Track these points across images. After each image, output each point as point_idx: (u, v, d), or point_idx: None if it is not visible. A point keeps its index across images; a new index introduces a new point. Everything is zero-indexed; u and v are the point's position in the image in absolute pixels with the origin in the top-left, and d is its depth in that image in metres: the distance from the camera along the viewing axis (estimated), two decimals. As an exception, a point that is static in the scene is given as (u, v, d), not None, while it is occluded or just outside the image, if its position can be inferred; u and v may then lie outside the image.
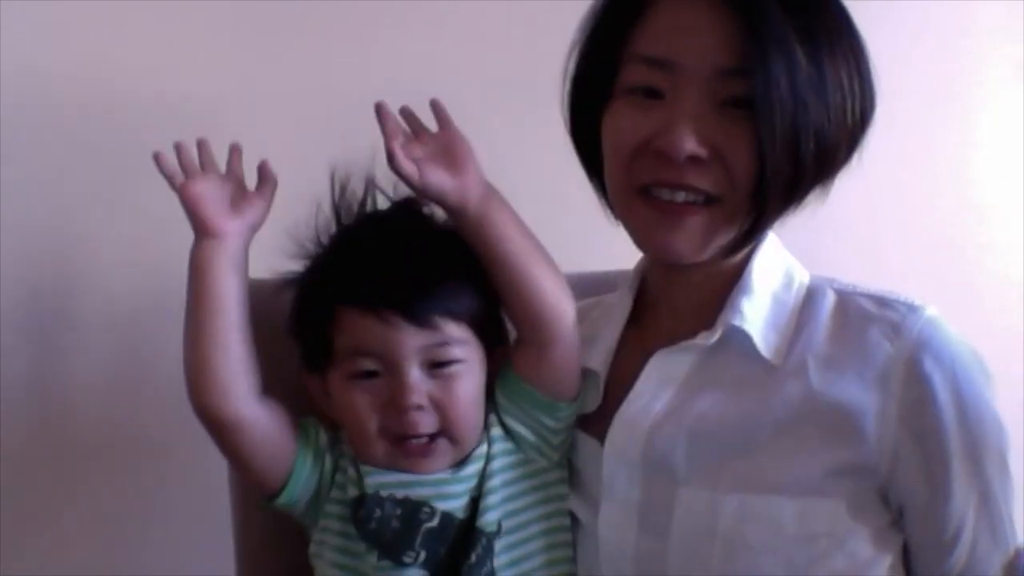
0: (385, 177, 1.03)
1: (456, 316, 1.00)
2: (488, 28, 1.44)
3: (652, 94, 0.98)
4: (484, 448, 1.04)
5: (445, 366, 1.00)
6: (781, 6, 0.95)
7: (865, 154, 1.64)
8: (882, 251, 1.68)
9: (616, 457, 1.02)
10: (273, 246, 1.05)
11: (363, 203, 1.07)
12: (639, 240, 1.03)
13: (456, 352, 1.01)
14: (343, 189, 1.07)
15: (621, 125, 1.00)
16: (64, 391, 1.37)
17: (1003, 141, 1.76)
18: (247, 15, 1.40)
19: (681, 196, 0.98)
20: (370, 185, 1.07)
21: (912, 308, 1.01)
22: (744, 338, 1.01)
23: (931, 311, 1.01)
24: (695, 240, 0.99)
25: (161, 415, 1.40)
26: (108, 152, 1.37)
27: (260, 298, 1.21)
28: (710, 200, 0.98)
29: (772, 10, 0.94)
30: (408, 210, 1.06)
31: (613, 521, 1.01)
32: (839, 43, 0.99)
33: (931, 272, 1.68)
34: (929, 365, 0.97)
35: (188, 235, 1.43)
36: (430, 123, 1.02)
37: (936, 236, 1.73)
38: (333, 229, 1.07)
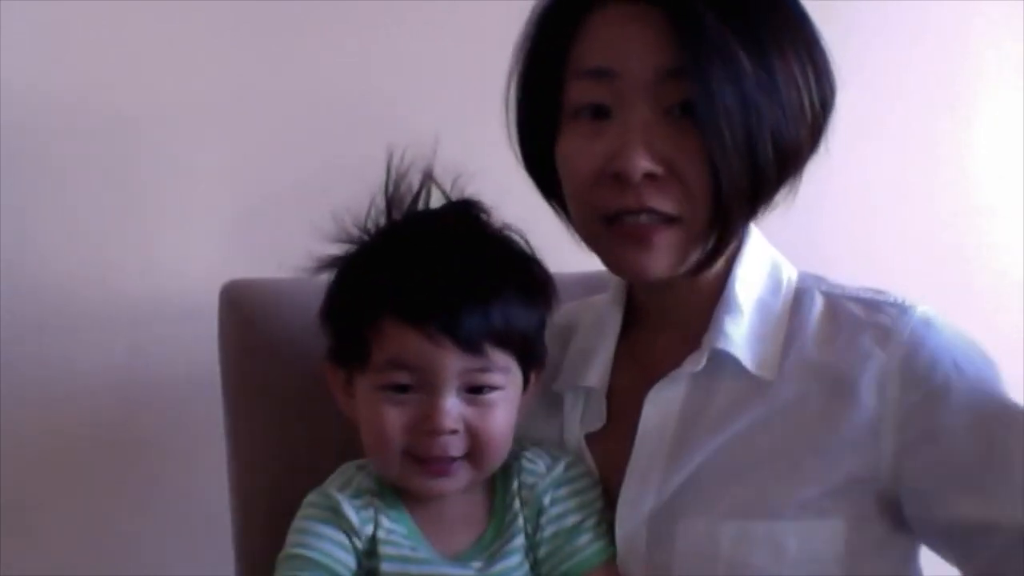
0: (443, 171, 1.02)
1: (503, 341, 0.96)
2: (488, 28, 1.44)
3: (599, 112, 0.96)
4: (518, 542, 1.00)
5: (483, 391, 0.97)
6: (717, 11, 0.92)
7: (865, 154, 1.66)
8: (881, 251, 1.68)
9: (629, 511, 1.00)
10: (300, 245, 1.01)
11: (417, 197, 1.03)
12: (610, 264, 1.01)
13: (497, 379, 0.97)
14: (400, 180, 1.03)
15: (574, 154, 0.98)
16: (64, 391, 1.37)
17: (1003, 141, 1.76)
18: (249, 15, 1.40)
19: (644, 218, 0.95)
20: (427, 179, 1.03)
21: (902, 309, 0.99)
22: (733, 358, 1.00)
23: (922, 310, 0.99)
24: (666, 259, 0.97)
25: (161, 416, 1.40)
26: (108, 152, 1.37)
27: (253, 301, 1.22)
28: (672, 220, 0.95)
29: (707, 16, 0.92)
30: (465, 213, 1.02)
31: (620, 559, 1.00)
32: (787, 36, 0.96)
33: (931, 272, 1.68)
34: (925, 366, 0.96)
35: (188, 236, 1.43)
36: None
37: (936, 236, 1.73)
38: (382, 220, 1.03)
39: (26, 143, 1.33)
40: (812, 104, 0.98)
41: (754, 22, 0.94)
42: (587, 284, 1.18)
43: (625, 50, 0.95)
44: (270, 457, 1.21)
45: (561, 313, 1.15)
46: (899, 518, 0.98)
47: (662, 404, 1.02)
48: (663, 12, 0.93)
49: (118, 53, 1.36)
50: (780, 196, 1.00)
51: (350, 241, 1.02)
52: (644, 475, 1.00)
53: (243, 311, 1.22)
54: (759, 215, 1.00)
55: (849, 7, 1.64)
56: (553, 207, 1.07)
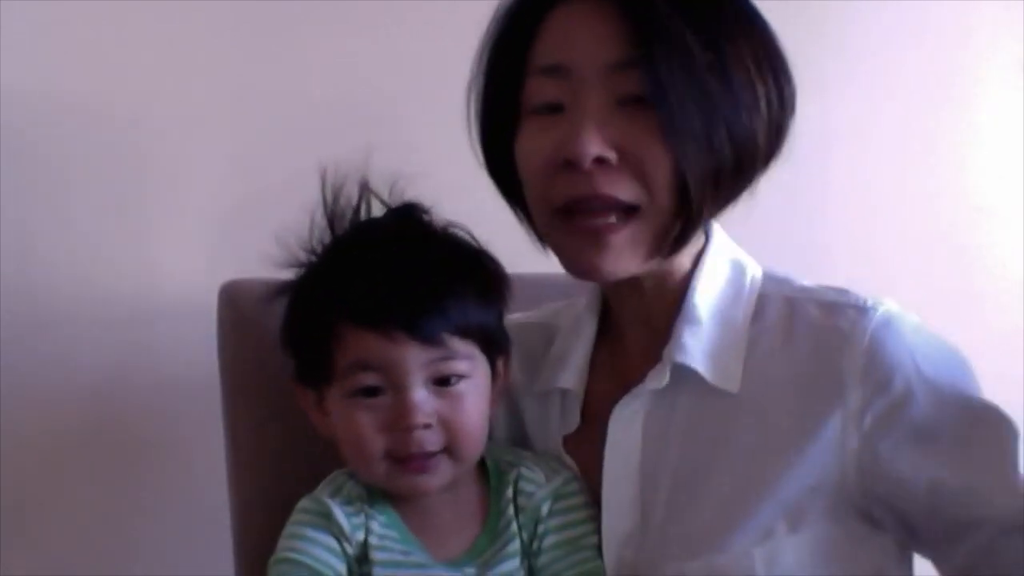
0: (379, 180, 1.02)
1: (462, 331, 0.97)
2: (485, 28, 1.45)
3: (555, 109, 0.96)
4: (512, 547, 1.00)
5: (451, 382, 0.97)
6: (669, 2, 0.93)
7: (865, 154, 1.66)
8: (881, 251, 1.68)
9: (608, 549, 1.00)
10: (261, 250, 1.02)
11: (357, 209, 1.04)
12: (565, 263, 1.00)
13: (462, 367, 0.98)
14: (337, 194, 1.04)
15: (529, 146, 0.98)
16: (64, 391, 1.37)
17: (1003, 141, 1.76)
18: (247, 17, 1.40)
19: (601, 217, 0.94)
20: (364, 190, 1.04)
21: (862, 311, 0.97)
22: (694, 372, 0.99)
23: (883, 309, 0.97)
24: (622, 258, 0.96)
25: (161, 416, 1.40)
26: (108, 152, 1.37)
27: (251, 301, 1.22)
28: (629, 211, 0.94)
29: (658, 7, 0.92)
30: (407, 217, 1.03)
31: None
32: (739, 31, 0.96)
33: (931, 272, 1.68)
34: (886, 371, 0.94)
35: (187, 236, 1.43)
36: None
37: (936, 236, 1.73)
38: (327, 237, 1.03)
39: (25, 144, 1.33)
40: (768, 99, 0.97)
41: (706, 12, 0.94)
42: (583, 285, 1.17)
43: (577, 46, 0.95)
44: (270, 457, 1.21)
45: (546, 314, 1.15)
46: (872, 518, 0.97)
47: (625, 422, 1.01)
48: (616, 5, 0.93)
49: (118, 54, 1.36)
50: (742, 193, 0.99)
51: (298, 264, 1.03)
52: (619, 506, 1.00)
53: (243, 311, 1.22)
54: (722, 207, 0.99)
55: (848, 7, 1.65)
56: (514, 210, 1.06)
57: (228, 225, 1.41)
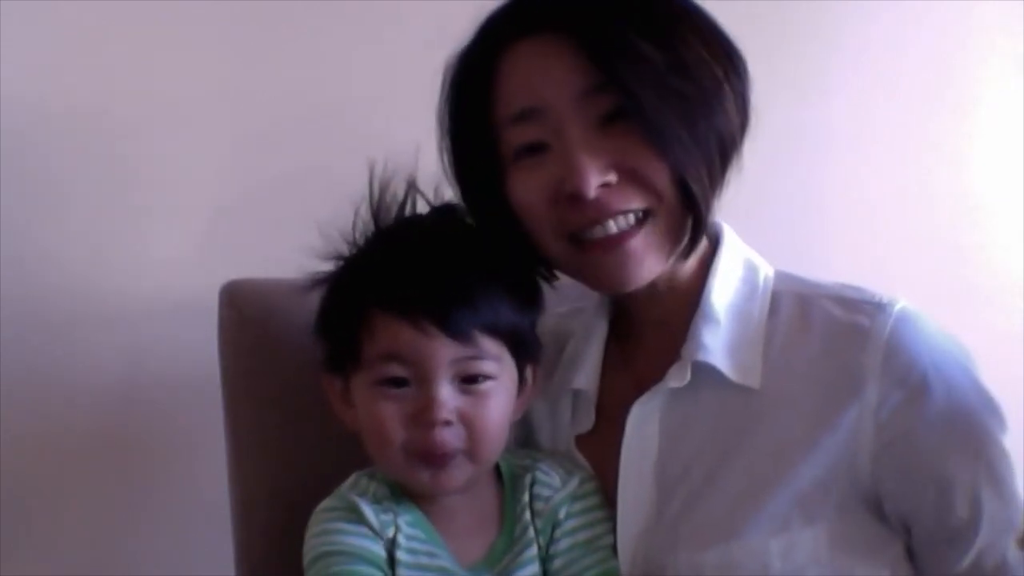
0: (426, 179, 1.03)
1: (493, 331, 0.97)
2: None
3: (538, 148, 0.97)
4: (530, 553, 1.00)
5: (476, 381, 0.97)
6: (616, 17, 0.94)
7: (865, 155, 1.66)
8: (881, 251, 1.68)
9: (624, 543, 1.01)
10: (299, 245, 1.02)
11: (403, 206, 1.04)
12: (589, 281, 1.01)
13: (489, 368, 0.98)
14: (383, 190, 1.04)
15: (525, 188, 0.99)
16: (64, 391, 1.37)
17: (1003, 140, 1.76)
18: (242, 17, 1.40)
19: (612, 226, 0.96)
20: (411, 188, 1.04)
21: (880, 307, 0.99)
22: (714, 369, 0.99)
23: (900, 306, 0.99)
24: (644, 263, 0.98)
25: (161, 415, 1.40)
26: (108, 153, 1.37)
27: (252, 301, 1.22)
28: (645, 215, 0.96)
29: (609, 28, 0.94)
30: (450, 215, 1.04)
31: None
32: (684, 24, 0.97)
33: (931, 272, 1.68)
34: (904, 366, 0.96)
35: (188, 236, 1.43)
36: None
37: (936, 236, 1.73)
38: (370, 231, 1.04)
39: (25, 145, 1.33)
40: (728, 77, 0.98)
41: (653, 18, 0.96)
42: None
43: (543, 85, 0.96)
44: (270, 457, 1.21)
45: (557, 320, 1.15)
46: (884, 515, 0.98)
47: (643, 420, 1.02)
48: (569, 35, 0.95)
49: (116, 56, 1.36)
50: (732, 171, 1.01)
51: (339, 256, 1.04)
52: (635, 502, 1.01)
53: (243, 311, 1.22)
54: (720, 192, 1.00)
55: (848, 7, 1.65)
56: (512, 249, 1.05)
57: (229, 225, 1.40)
